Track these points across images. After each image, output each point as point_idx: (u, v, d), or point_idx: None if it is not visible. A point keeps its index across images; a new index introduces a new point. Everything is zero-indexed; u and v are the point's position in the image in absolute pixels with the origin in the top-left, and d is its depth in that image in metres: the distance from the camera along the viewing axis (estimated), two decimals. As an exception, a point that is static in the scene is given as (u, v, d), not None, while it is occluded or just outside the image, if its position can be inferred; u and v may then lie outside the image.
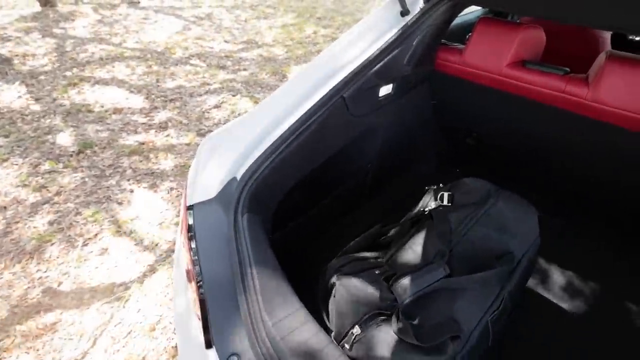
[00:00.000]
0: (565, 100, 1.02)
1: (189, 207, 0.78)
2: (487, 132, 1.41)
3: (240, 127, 0.94)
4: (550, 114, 1.08)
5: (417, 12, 1.09)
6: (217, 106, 2.78)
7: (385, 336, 0.67)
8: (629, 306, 1.15)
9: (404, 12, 1.07)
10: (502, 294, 0.76)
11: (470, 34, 1.19)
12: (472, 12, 1.93)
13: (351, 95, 0.98)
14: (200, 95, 2.91)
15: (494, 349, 0.77)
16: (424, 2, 1.10)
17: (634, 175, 1.07)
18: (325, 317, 0.81)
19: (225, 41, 3.98)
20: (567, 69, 1.05)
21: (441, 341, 0.66)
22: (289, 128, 0.89)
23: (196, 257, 0.70)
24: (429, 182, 1.27)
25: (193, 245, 0.72)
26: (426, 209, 0.94)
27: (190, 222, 0.76)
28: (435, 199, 0.96)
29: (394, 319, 0.68)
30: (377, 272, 0.81)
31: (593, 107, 0.98)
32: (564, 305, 1.15)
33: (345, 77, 0.97)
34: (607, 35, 1.60)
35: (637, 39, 1.85)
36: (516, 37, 1.08)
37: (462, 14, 1.90)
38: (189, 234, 0.74)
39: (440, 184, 1.01)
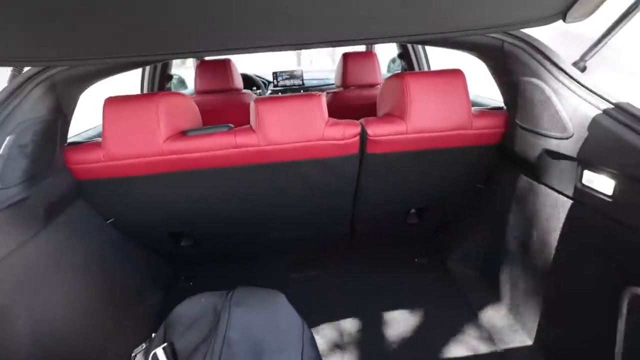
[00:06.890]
0: (239, 155, 0.96)
1: None
2: (192, 227, 1.21)
3: None
4: (237, 172, 1.00)
5: None
6: None
7: None
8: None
9: None
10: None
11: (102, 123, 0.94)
12: None
13: None
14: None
15: None
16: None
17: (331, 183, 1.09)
18: None
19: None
20: (231, 124, 0.98)
21: None
22: None
23: None
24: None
25: None
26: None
27: None
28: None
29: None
30: None
31: (264, 151, 0.96)
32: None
33: None
34: (249, 99, 1.68)
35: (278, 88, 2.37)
36: (157, 106, 0.91)
37: None
38: None
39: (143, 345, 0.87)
